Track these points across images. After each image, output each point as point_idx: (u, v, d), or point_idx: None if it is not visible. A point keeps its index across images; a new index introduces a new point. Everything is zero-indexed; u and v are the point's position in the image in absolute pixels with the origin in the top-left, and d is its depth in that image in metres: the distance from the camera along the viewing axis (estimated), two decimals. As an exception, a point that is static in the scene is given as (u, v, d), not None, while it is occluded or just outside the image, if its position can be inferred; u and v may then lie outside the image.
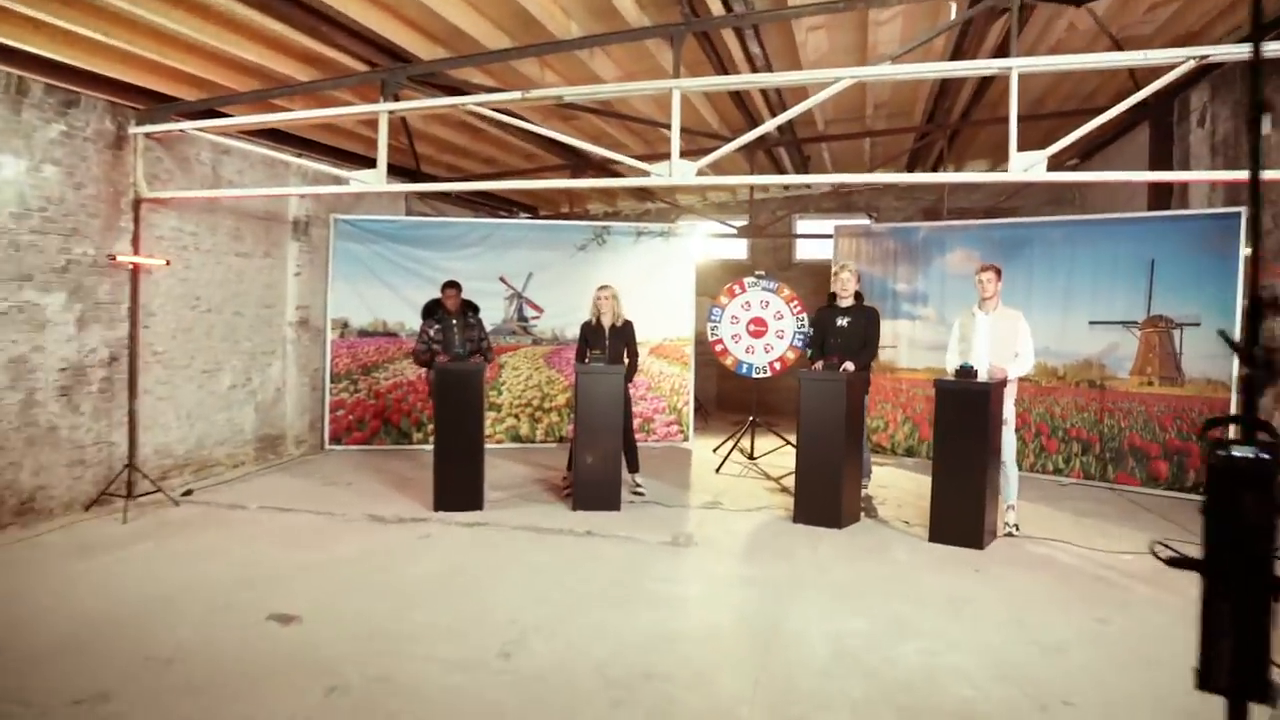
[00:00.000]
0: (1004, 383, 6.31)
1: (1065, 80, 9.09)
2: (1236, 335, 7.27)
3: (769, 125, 6.46)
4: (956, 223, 9.68)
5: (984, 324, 6.52)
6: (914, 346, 9.60)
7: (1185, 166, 9.09)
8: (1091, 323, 8.46)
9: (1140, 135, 10.26)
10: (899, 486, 8.21)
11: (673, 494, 7.77)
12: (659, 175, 6.18)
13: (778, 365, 9.26)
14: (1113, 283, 8.34)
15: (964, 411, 6.09)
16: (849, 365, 6.70)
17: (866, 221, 12.28)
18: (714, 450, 9.89)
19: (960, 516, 6.13)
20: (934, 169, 13.20)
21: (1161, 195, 9.52)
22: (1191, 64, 5.56)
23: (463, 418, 6.95)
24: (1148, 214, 8.61)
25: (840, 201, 14.37)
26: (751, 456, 9.35)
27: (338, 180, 7.21)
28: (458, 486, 6.97)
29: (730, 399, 14.30)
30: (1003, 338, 6.45)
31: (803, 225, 14.72)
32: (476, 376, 7.02)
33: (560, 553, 5.93)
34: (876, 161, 11.83)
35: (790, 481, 8.22)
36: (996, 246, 9.06)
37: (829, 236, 10.59)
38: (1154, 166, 9.56)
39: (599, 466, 6.99)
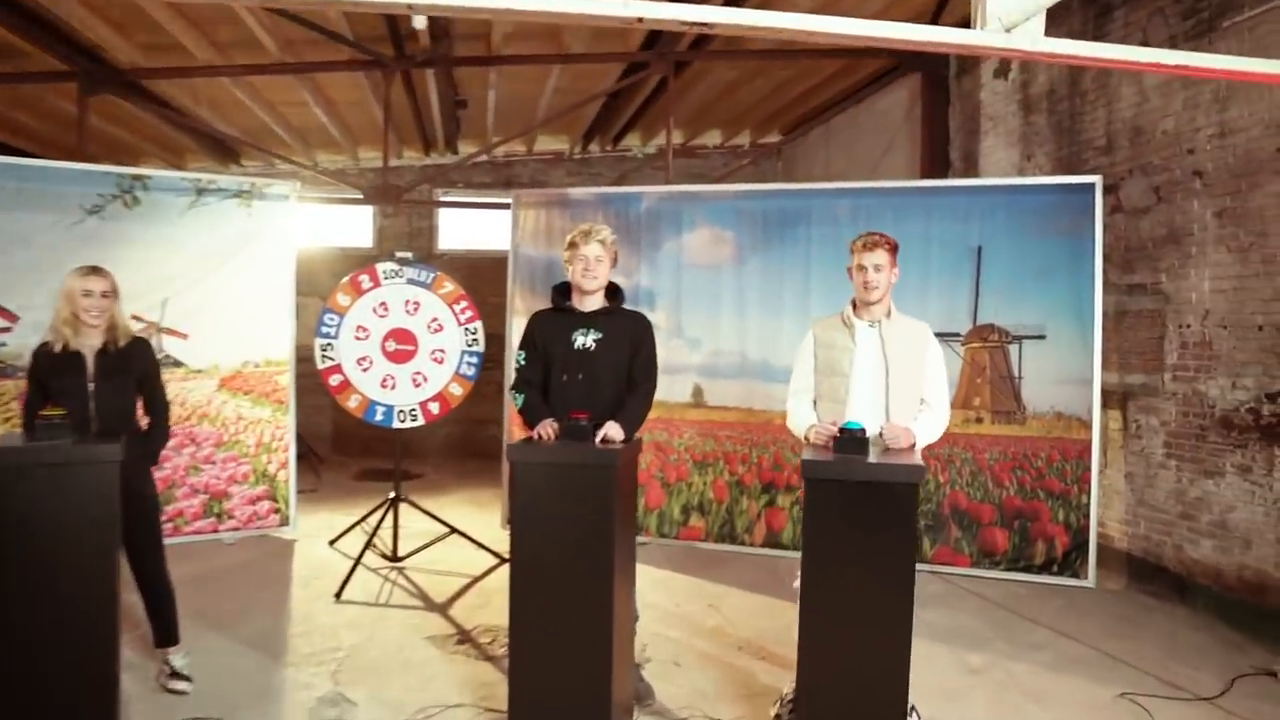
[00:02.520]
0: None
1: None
2: (1096, 348, 4.86)
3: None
4: (701, 188, 6.78)
5: (869, 343, 3.57)
6: (638, 370, 6.50)
7: (974, 129, 6.95)
8: (896, 334, 5.92)
9: (890, 97, 8.11)
10: (642, 598, 5.01)
11: (252, 675, 3.95)
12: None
13: (435, 408, 5.71)
14: (924, 279, 5.82)
15: (862, 522, 3.01)
16: (612, 430, 3.37)
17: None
18: (331, 543, 6.09)
19: (855, 715, 3.05)
20: (621, 134, 10.39)
21: (938, 162, 7.34)
22: None
23: None
24: (971, 182, 6.28)
25: (498, 175, 11.06)
26: (396, 557, 5.68)
27: None
28: None
29: (353, 437, 10.34)
30: (903, 369, 3.53)
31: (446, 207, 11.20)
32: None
33: None
34: (554, 111, 8.63)
35: (473, 612, 4.71)
36: (758, 222, 6.25)
37: (501, 207, 7.26)
38: (927, 131, 7.38)
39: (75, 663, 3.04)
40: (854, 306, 3.70)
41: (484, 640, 4.41)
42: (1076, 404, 5.52)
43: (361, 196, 7.56)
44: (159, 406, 3.80)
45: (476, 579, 5.37)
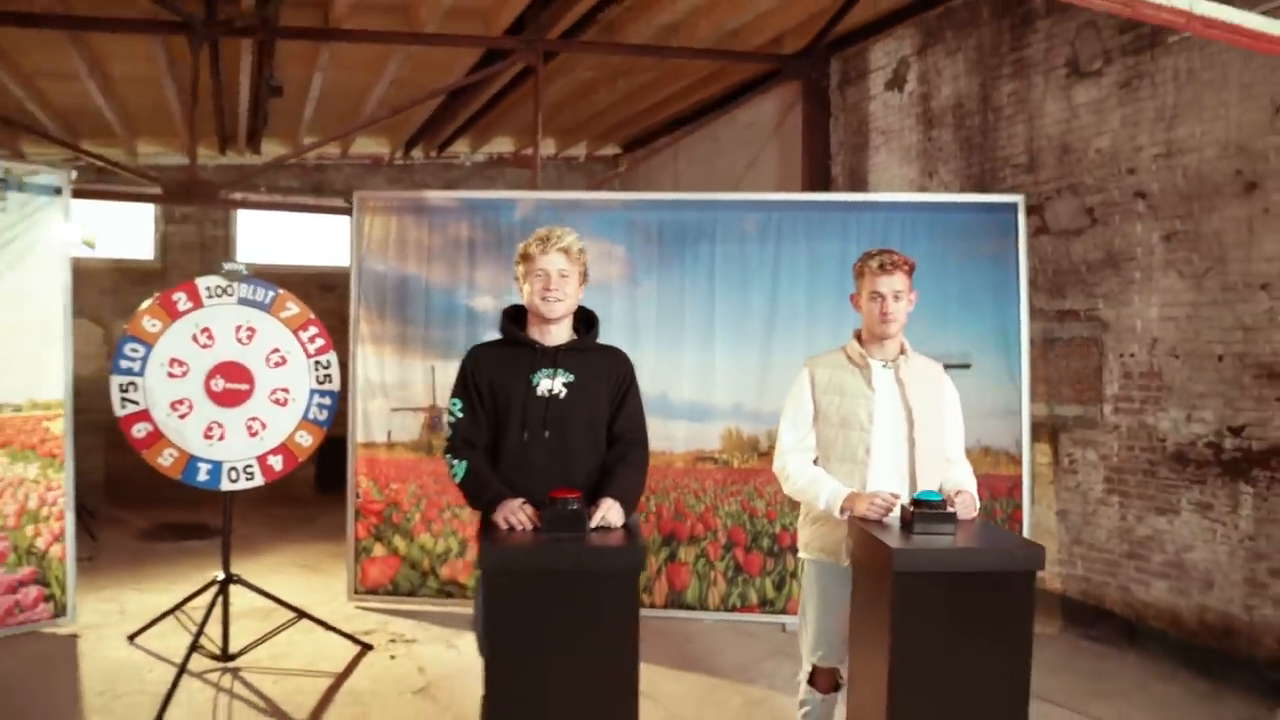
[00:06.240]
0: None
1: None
2: (1024, 378, 4.55)
3: None
4: (586, 195, 5.97)
5: (887, 389, 2.95)
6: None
7: (862, 144, 6.58)
8: (812, 364, 5.35)
9: (757, 109, 7.66)
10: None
11: None
12: None
13: (278, 462, 4.54)
14: (840, 304, 5.15)
15: (966, 622, 2.33)
16: (612, 513, 2.47)
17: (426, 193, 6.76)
18: (133, 638, 4.73)
19: None
20: (450, 140, 9.39)
21: (819, 179, 6.91)
22: None
23: None
24: (894, 197, 5.82)
25: (306, 180, 9.75)
26: (226, 655, 4.41)
27: None
28: None
29: (132, 484, 8.49)
30: (927, 419, 2.97)
31: (245, 215, 9.73)
32: None
33: None
34: (386, 108, 7.50)
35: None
36: (653, 236, 5.48)
37: (340, 212, 6.14)
38: (809, 145, 6.95)
39: None
40: (858, 339, 3.06)
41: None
42: (1004, 437, 5.16)
43: (160, 192, 6.12)
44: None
45: (340, 677, 4.27)
